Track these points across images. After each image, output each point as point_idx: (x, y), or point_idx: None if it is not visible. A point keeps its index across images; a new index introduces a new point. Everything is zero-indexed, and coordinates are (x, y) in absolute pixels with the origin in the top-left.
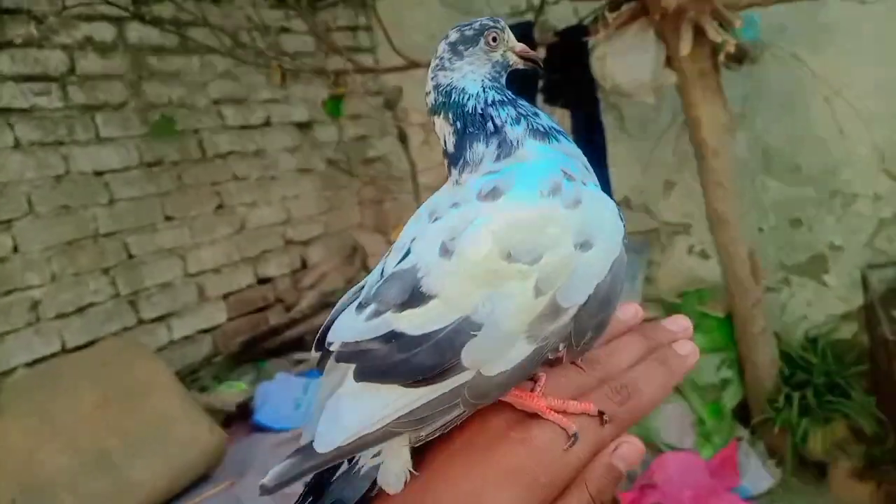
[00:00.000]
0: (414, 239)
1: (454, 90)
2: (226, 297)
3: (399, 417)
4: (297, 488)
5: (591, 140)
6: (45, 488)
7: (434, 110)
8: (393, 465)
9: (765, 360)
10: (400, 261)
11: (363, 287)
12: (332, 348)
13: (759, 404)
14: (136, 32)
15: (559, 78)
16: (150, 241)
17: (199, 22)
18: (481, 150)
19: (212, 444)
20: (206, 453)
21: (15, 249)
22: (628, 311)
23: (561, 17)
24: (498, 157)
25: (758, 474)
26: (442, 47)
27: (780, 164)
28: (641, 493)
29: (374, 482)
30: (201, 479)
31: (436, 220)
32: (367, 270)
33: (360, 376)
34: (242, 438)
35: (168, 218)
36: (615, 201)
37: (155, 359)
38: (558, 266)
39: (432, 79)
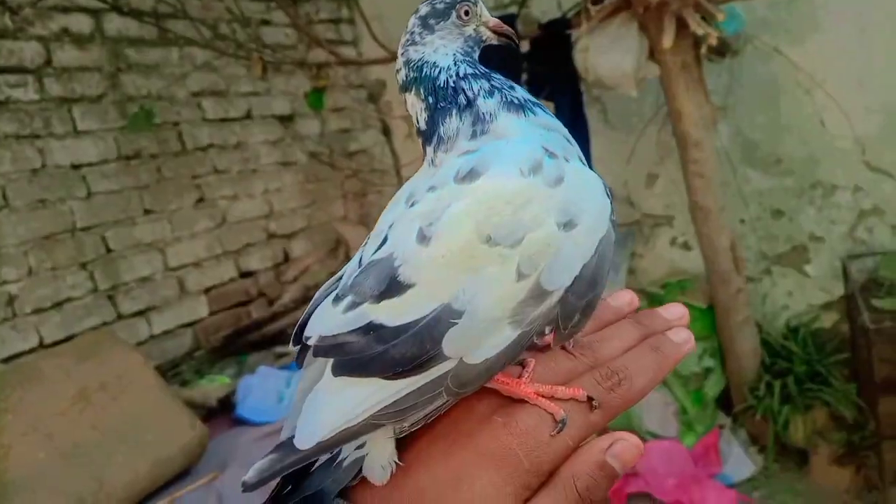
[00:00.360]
0: (391, 225)
1: (425, 65)
2: (207, 290)
3: (380, 410)
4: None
5: (574, 133)
6: (23, 484)
7: (405, 87)
8: (378, 457)
9: (746, 350)
10: (377, 249)
11: (341, 277)
12: (309, 342)
13: (741, 393)
14: (114, 24)
15: (542, 70)
16: (128, 235)
17: (179, 13)
18: (454, 125)
19: (192, 439)
20: (187, 448)
21: None
22: (623, 298)
23: (544, 9)
24: (474, 135)
25: (740, 461)
26: (412, 22)
27: (762, 155)
28: (624, 481)
29: (357, 472)
30: (182, 474)
31: (413, 204)
32: None
33: (339, 370)
34: (225, 432)
35: (147, 211)
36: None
37: (134, 353)
38: (541, 247)
39: (402, 55)
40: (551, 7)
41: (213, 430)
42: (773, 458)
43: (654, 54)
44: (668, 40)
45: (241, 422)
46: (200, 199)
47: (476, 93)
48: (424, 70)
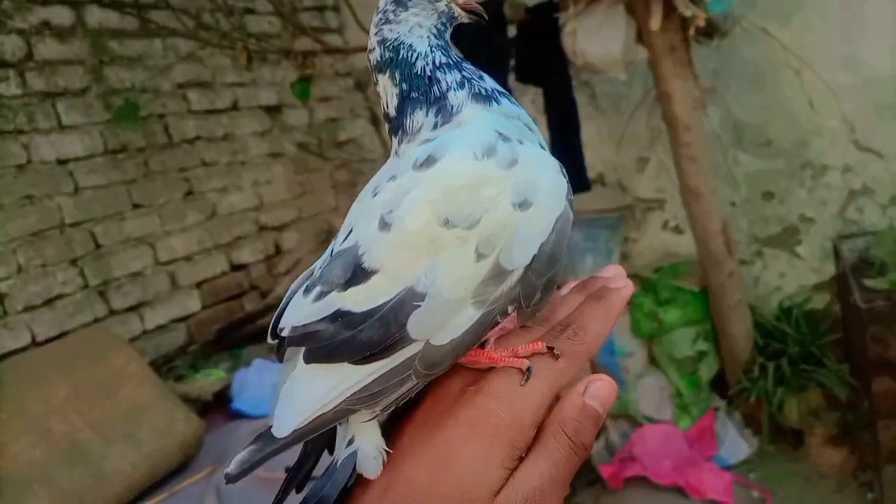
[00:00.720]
0: (358, 216)
1: (402, 46)
2: (199, 284)
3: (352, 395)
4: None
5: (564, 117)
6: (20, 482)
7: (379, 67)
8: (368, 449)
9: (740, 332)
10: (343, 240)
11: (313, 268)
12: (283, 334)
13: (736, 375)
14: (95, 16)
15: (531, 55)
16: (118, 230)
17: (161, 4)
18: (420, 118)
19: (188, 434)
20: (183, 442)
21: None
22: (610, 271)
23: None
24: (435, 126)
25: (735, 443)
26: (384, 0)
27: (752, 137)
28: (622, 465)
29: (351, 474)
30: (180, 468)
31: (375, 193)
32: None
33: (309, 357)
34: (222, 426)
35: (136, 206)
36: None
37: (128, 349)
38: (498, 228)
39: (376, 34)
40: None
41: (209, 424)
42: (769, 439)
43: (641, 37)
44: (655, 22)
45: (238, 415)
46: (189, 193)
47: (449, 85)
48: (401, 52)
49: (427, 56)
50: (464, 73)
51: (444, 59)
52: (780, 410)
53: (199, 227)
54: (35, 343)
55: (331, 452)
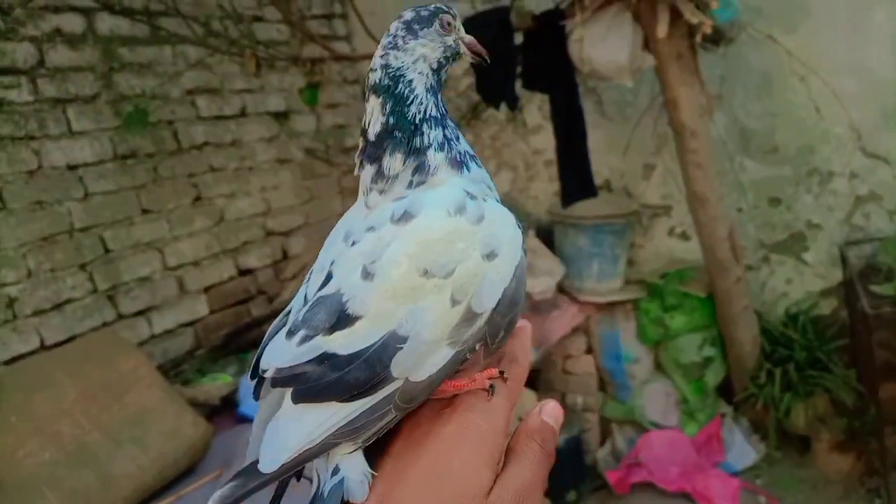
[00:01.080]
0: (333, 262)
1: (402, 79)
2: (207, 289)
3: (338, 430)
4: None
5: (570, 124)
6: (28, 485)
7: (375, 89)
8: (354, 475)
9: (746, 338)
10: (322, 285)
11: (289, 312)
12: (266, 375)
13: (742, 381)
14: (106, 23)
15: (538, 63)
16: (127, 236)
17: (171, 11)
18: (397, 166)
19: (195, 437)
20: (190, 446)
21: None
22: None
23: (538, 0)
24: (411, 185)
25: (742, 449)
26: (395, 25)
27: (758, 143)
28: (628, 471)
29: (340, 502)
30: (187, 472)
31: (353, 243)
32: None
33: (298, 398)
34: (228, 430)
35: (145, 211)
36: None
37: (136, 353)
38: (470, 277)
39: (382, 56)
40: None
41: (216, 428)
42: (776, 445)
43: (648, 44)
44: (662, 30)
45: (245, 420)
46: (197, 198)
47: (430, 142)
48: (399, 86)
49: (421, 103)
50: (446, 131)
51: (433, 111)
52: (787, 416)
53: (207, 232)
54: (44, 347)
55: (298, 479)
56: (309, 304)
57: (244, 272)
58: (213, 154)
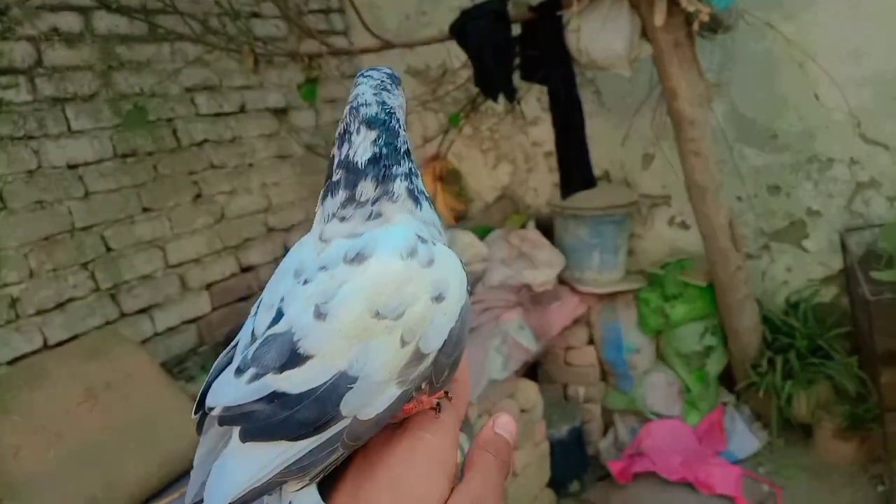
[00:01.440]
0: (283, 299)
1: (394, 116)
2: (209, 286)
3: (286, 468)
4: None
5: (568, 115)
6: (34, 484)
7: (369, 122)
8: None
9: (747, 327)
10: (272, 322)
11: (235, 345)
12: (213, 413)
13: (744, 370)
14: (104, 21)
15: (535, 54)
16: (128, 234)
17: (168, 8)
18: (370, 192)
19: None
20: (196, 443)
21: None
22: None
23: None
24: (370, 216)
25: (744, 438)
26: (378, 75)
27: (757, 131)
28: (630, 461)
29: None
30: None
31: (305, 281)
32: None
33: (247, 436)
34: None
35: (146, 209)
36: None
37: (139, 351)
38: (419, 318)
39: (375, 94)
40: None
41: None
42: (778, 433)
43: (646, 33)
44: (659, 18)
45: None
46: (198, 196)
47: (399, 172)
48: (392, 122)
49: (404, 141)
50: (412, 166)
51: (408, 146)
52: (789, 404)
53: (209, 229)
54: (46, 346)
55: None
56: (258, 341)
57: (246, 269)
58: (213, 151)
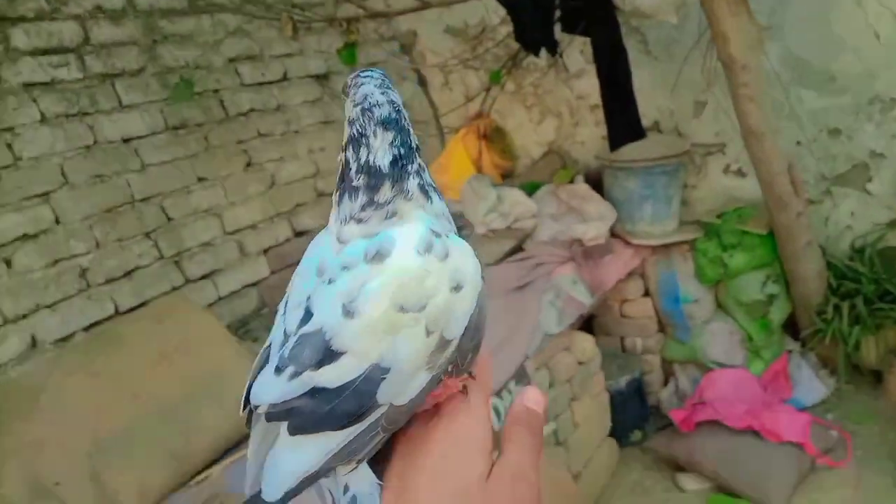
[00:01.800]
0: (310, 298)
1: (401, 113)
2: (266, 251)
3: (333, 455)
4: None
5: (614, 67)
6: (119, 439)
7: (385, 124)
8: (364, 488)
9: (811, 273)
10: (301, 321)
11: (269, 346)
12: (259, 410)
13: (808, 317)
14: None
15: (576, 4)
16: (186, 203)
17: None
18: (388, 194)
19: None
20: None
21: (56, 221)
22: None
23: None
24: (385, 217)
25: (811, 385)
26: (376, 74)
27: (814, 73)
28: (693, 410)
29: None
30: None
31: (330, 281)
32: None
33: (294, 430)
34: None
35: (200, 179)
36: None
37: (206, 314)
38: (441, 309)
39: (383, 94)
40: None
41: None
42: (846, 379)
43: None
44: None
45: None
46: (249, 164)
47: (412, 170)
48: (402, 120)
49: (413, 136)
50: (420, 161)
51: (416, 141)
52: (857, 350)
53: (261, 196)
54: (118, 312)
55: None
56: (292, 340)
57: (299, 233)
58: (260, 120)
